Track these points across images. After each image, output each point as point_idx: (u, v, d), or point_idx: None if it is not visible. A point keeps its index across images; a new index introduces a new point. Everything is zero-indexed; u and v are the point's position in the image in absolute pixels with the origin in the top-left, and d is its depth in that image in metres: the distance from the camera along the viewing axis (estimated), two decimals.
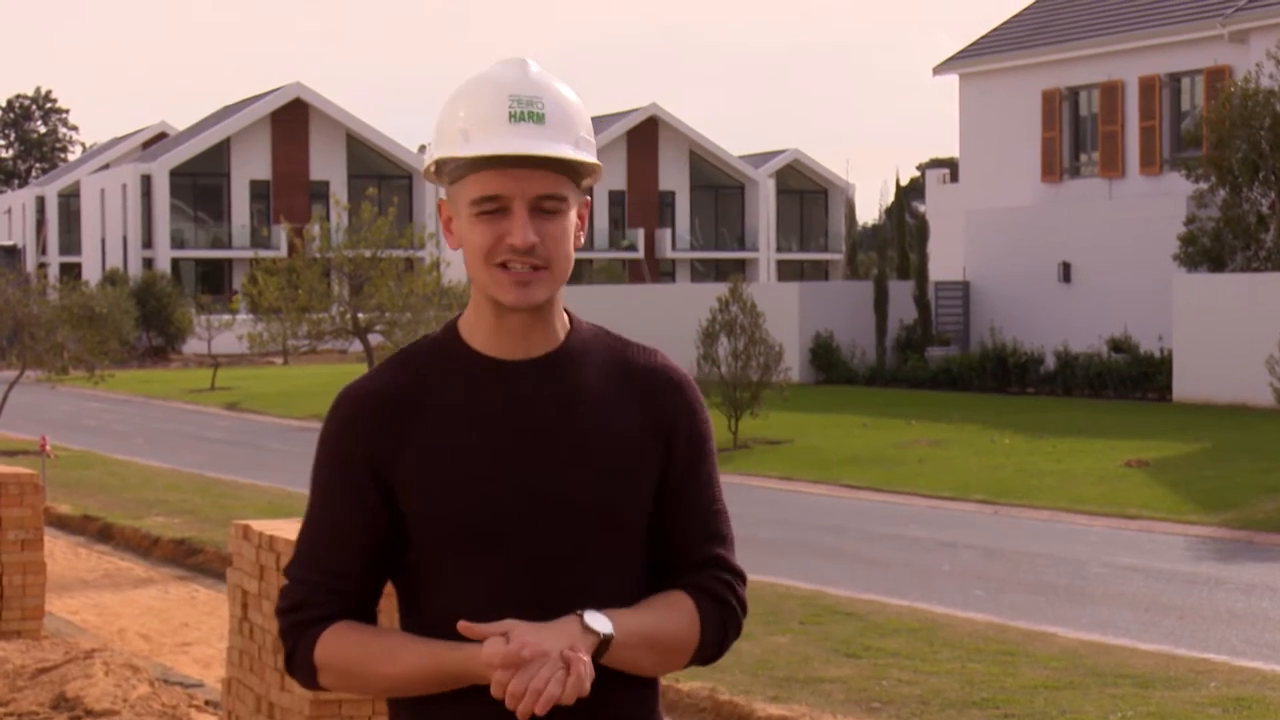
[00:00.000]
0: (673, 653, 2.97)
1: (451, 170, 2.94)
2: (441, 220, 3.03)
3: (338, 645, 2.96)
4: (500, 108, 2.89)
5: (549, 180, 2.90)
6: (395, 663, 2.91)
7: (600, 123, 70.64)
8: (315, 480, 3.02)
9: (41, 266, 70.72)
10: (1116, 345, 33.98)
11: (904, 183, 42.85)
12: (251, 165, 69.21)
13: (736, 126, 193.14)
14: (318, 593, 2.99)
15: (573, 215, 2.95)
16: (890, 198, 45.17)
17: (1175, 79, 37.96)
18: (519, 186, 2.88)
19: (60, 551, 16.59)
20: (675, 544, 3.02)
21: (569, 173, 2.92)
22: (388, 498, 2.95)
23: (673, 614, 2.97)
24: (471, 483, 2.92)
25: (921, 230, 39.94)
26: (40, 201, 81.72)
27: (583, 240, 3.01)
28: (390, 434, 2.95)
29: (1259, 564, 15.74)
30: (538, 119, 2.89)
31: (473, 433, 2.94)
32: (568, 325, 3.05)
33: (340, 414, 3.00)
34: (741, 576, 3.05)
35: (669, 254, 74.93)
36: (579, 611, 2.86)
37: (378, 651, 2.93)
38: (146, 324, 57.14)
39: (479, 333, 3.00)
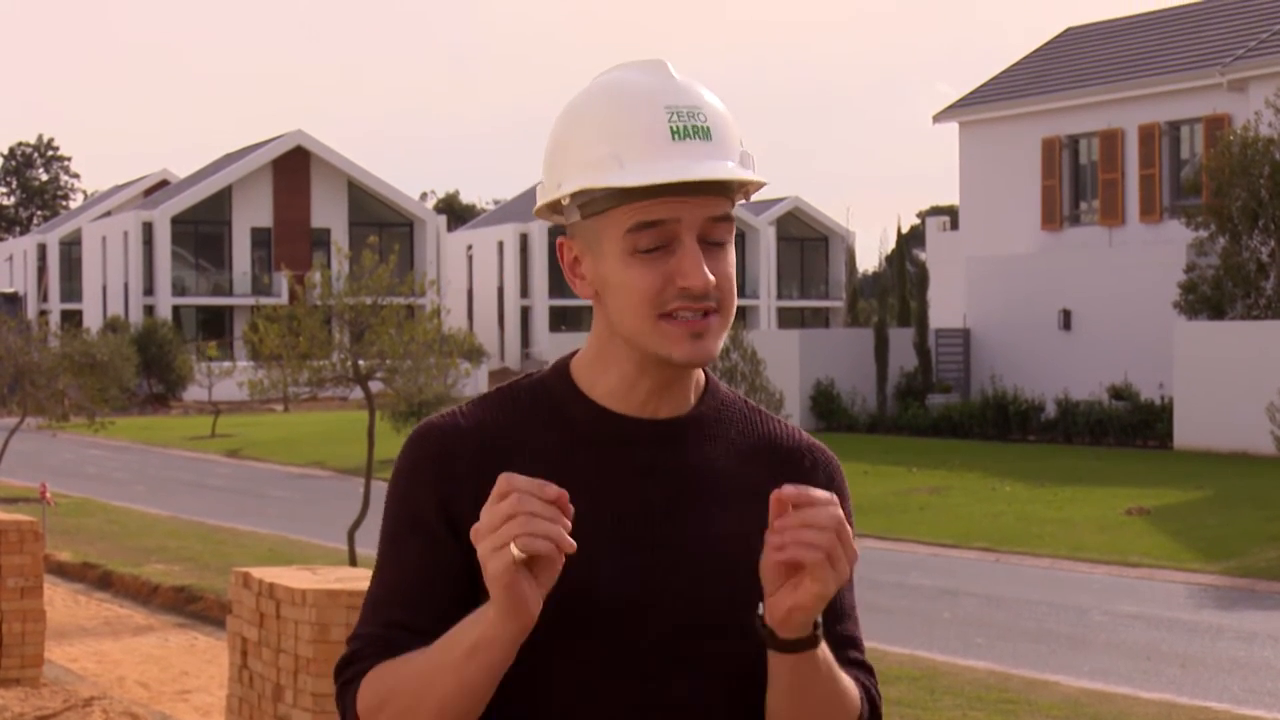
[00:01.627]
0: (839, 709, 2.46)
1: (589, 204, 2.40)
2: (565, 263, 2.48)
3: (379, 683, 2.39)
4: (658, 123, 2.37)
5: (718, 203, 2.41)
6: (431, 664, 2.34)
7: None
8: (383, 531, 2.49)
9: (43, 314, 70.75)
10: (1117, 393, 33.98)
11: (904, 230, 42.91)
12: (253, 213, 69.32)
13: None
14: (373, 645, 2.43)
15: (732, 249, 2.47)
16: (891, 245, 45.35)
17: (1175, 127, 38.06)
18: (687, 213, 2.37)
19: (60, 599, 16.56)
20: None
21: (734, 193, 2.46)
22: (467, 552, 2.33)
23: (848, 682, 2.48)
24: (567, 561, 2.29)
25: (922, 278, 39.99)
26: (42, 249, 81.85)
27: (735, 293, 2.49)
28: (471, 480, 2.40)
29: (1260, 612, 15.71)
30: (704, 134, 2.39)
31: (575, 499, 2.29)
32: (702, 385, 2.55)
33: (413, 451, 2.47)
34: (876, 683, 2.59)
35: None
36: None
37: (415, 668, 2.36)
38: (147, 371, 57.15)
39: (602, 383, 2.48)
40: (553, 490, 2.20)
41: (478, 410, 2.50)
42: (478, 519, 2.28)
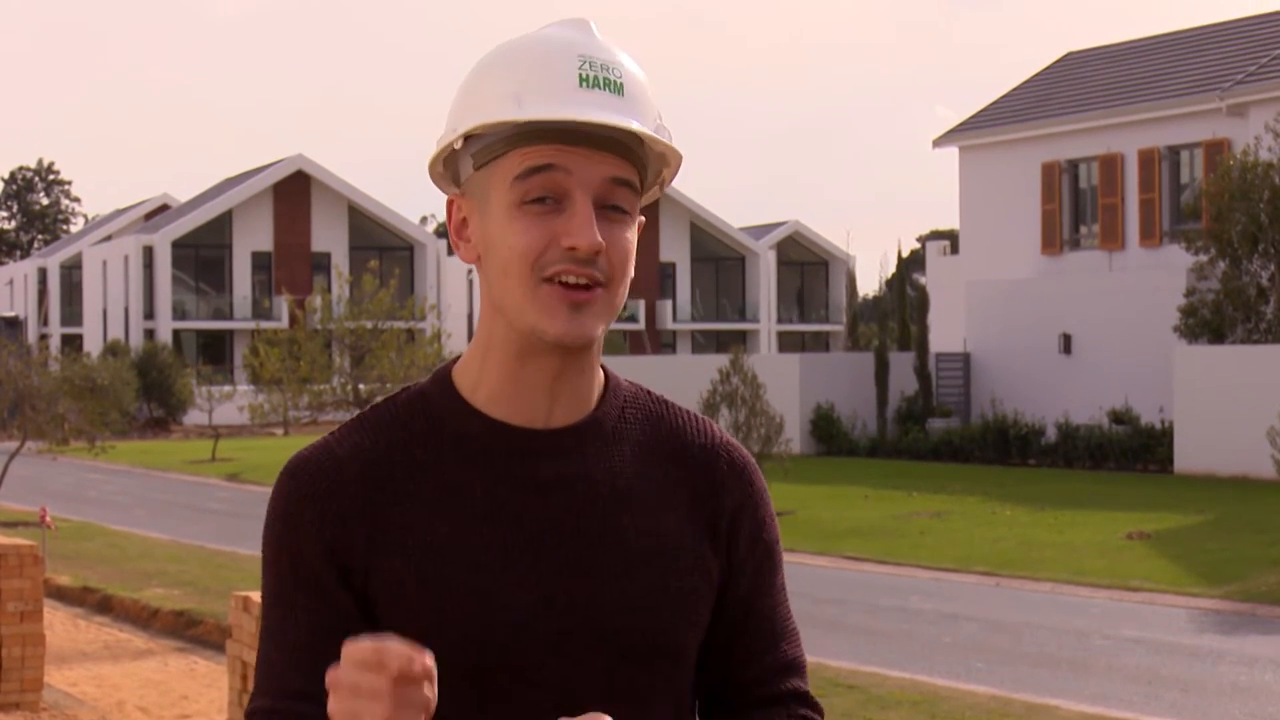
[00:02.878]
0: None
1: (482, 150, 2.17)
2: (452, 226, 2.24)
3: None
4: (567, 68, 2.15)
5: (622, 164, 2.16)
6: None
7: None
8: (266, 584, 2.22)
9: (43, 338, 70.85)
10: (1117, 417, 33.98)
11: (904, 254, 42.95)
12: (253, 237, 69.38)
13: (737, 198, 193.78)
14: None
15: (635, 228, 2.21)
16: (891, 269, 45.38)
17: (1174, 152, 38.10)
18: (583, 166, 2.13)
19: (60, 623, 16.54)
20: (739, 675, 2.32)
21: (639, 167, 2.19)
22: (361, 601, 2.16)
23: None
24: (472, 597, 2.14)
25: (922, 302, 40.01)
26: (42, 273, 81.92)
27: (631, 273, 2.22)
28: (360, 521, 2.16)
29: (1262, 636, 15.69)
30: (615, 88, 2.16)
31: (474, 527, 2.16)
32: (602, 383, 2.31)
33: (286, 491, 2.19)
34: (822, 715, 2.38)
35: (670, 325, 75.03)
36: None
37: None
38: (147, 395, 57.15)
39: (485, 386, 2.22)
40: (420, 664, 1.89)
41: (353, 435, 2.22)
42: (374, 563, 2.14)
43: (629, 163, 2.17)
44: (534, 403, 2.22)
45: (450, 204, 2.24)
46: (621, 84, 2.16)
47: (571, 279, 2.13)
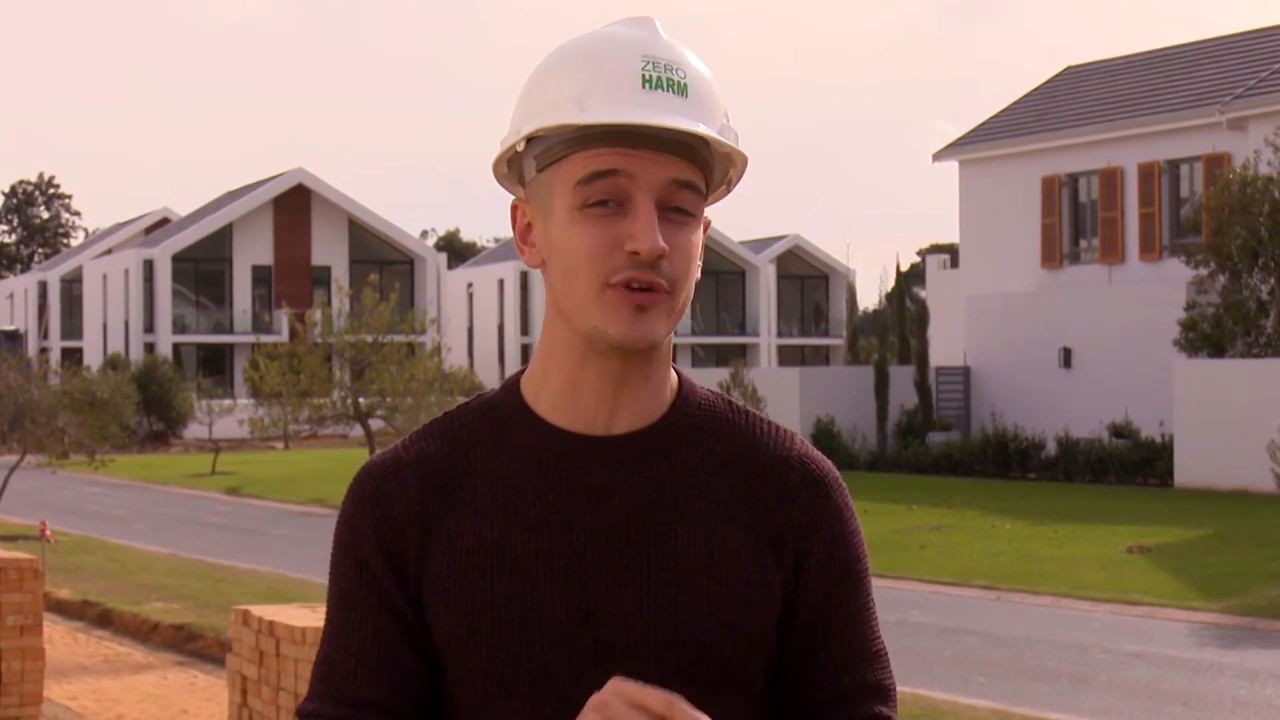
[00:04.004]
0: None
1: (544, 152, 2.14)
2: (516, 230, 2.22)
3: None
4: (630, 68, 2.11)
5: (686, 167, 2.12)
6: None
7: None
8: (330, 587, 2.25)
9: (43, 351, 70.79)
10: (1118, 431, 33.99)
11: (904, 268, 43.00)
12: (253, 250, 69.41)
13: (737, 212, 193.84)
14: None
15: (700, 229, 2.17)
16: (891, 283, 45.31)
17: (1174, 165, 38.14)
18: (646, 170, 2.09)
19: (59, 637, 16.53)
20: (813, 698, 2.21)
21: (705, 168, 2.16)
22: (419, 609, 2.17)
23: None
24: (510, 603, 2.12)
25: (922, 315, 40.02)
26: (42, 286, 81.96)
27: (699, 275, 2.19)
28: (415, 525, 2.17)
29: (1262, 650, 15.68)
30: (679, 89, 2.12)
31: (521, 534, 2.14)
32: (675, 388, 2.25)
33: (352, 496, 2.23)
34: None
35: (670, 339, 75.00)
36: None
37: None
38: (147, 409, 57.16)
39: (547, 392, 2.19)
40: (656, 698, 1.92)
41: (421, 441, 2.24)
42: (426, 567, 2.15)
43: (693, 164, 2.13)
44: (595, 409, 2.17)
45: (514, 209, 2.22)
46: (686, 84, 2.12)
47: (635, 284, 2.09)
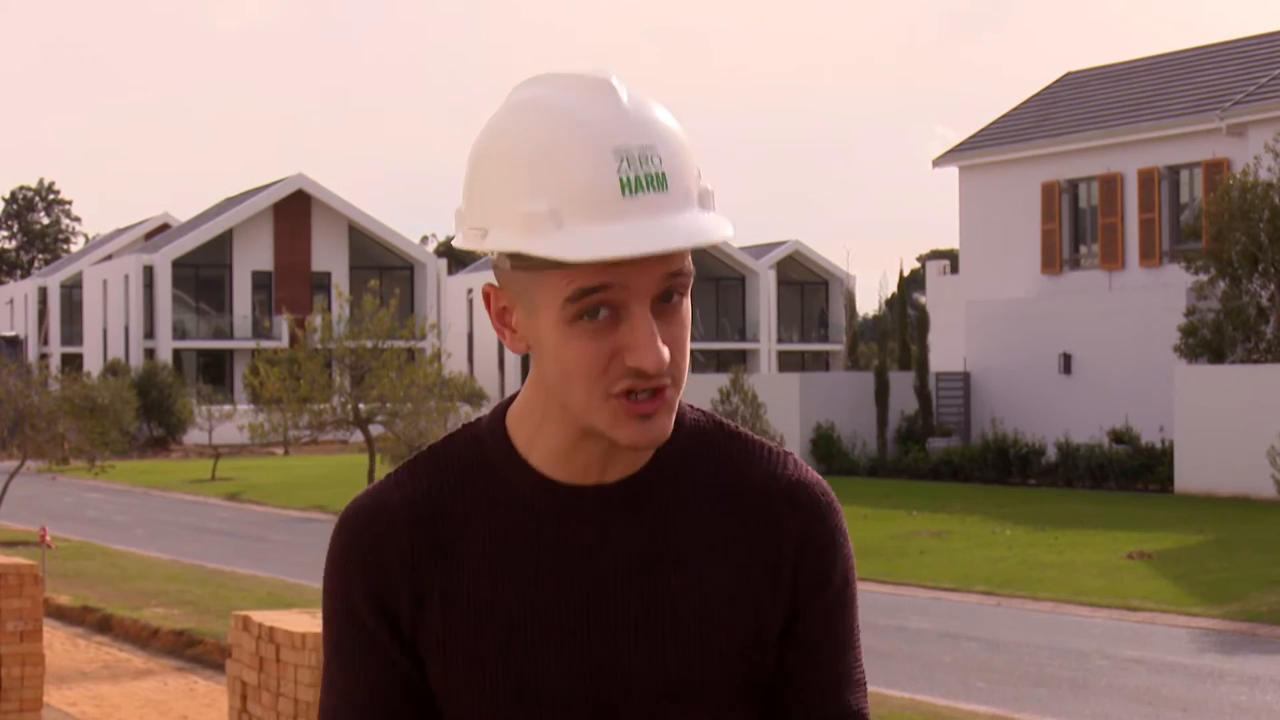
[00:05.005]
0: None
1: (520, 257, 2.01)
2: (492, 313, 2.09)
3: None
4: (606, 175, 1.94)
5: (674, 259, 1.99)
6: None
7: None
8: (324, 631, 2.21)
9: (43, 357, 70.85)
10: (1118, 437, 33.99)
11: (905, 274, 42.95)
12: (253, 256, 69.44)
13: (737, 217, 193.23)
14: None
15: (687, 297, 2.06)
16: (891, 289, 45.38)
17: (1174, 171, 38.16)
18: (638, 278, 1.97)
19: (59, 643, 16.53)
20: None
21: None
22: (412, 655, 2.14)
23: None
24: (507, 665, 2.09)
25: (922, 321, 40.04)
26: (43, 292, 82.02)
27: (688, 352, 2.07)
28: (405, 575, 2.12)
29: (1262, 656, 15.68)
30: (658, 183, 1.95)
31: (515, 591, 2.10)
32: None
33: (340, 545, 2.16)
34: None
35: None
36: None
37: None
38: (147, 414, 57.16)
39: (542, 444, 2.11)
40: None
41: (411, 479, 2.15)
42: (420, 623, 2.10)
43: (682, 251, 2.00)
44: (588, 464, 2.10)
45: (486, 294, 2.08)
46: (664, 175, 1.95)
47: (641, 395, 1.99)
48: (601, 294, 1.96)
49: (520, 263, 2.00)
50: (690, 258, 2.02)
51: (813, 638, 2.18)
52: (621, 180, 1.93)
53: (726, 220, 2.03)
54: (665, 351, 1.97)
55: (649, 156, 1.95)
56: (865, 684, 2.26)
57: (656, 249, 1.92)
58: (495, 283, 2.08)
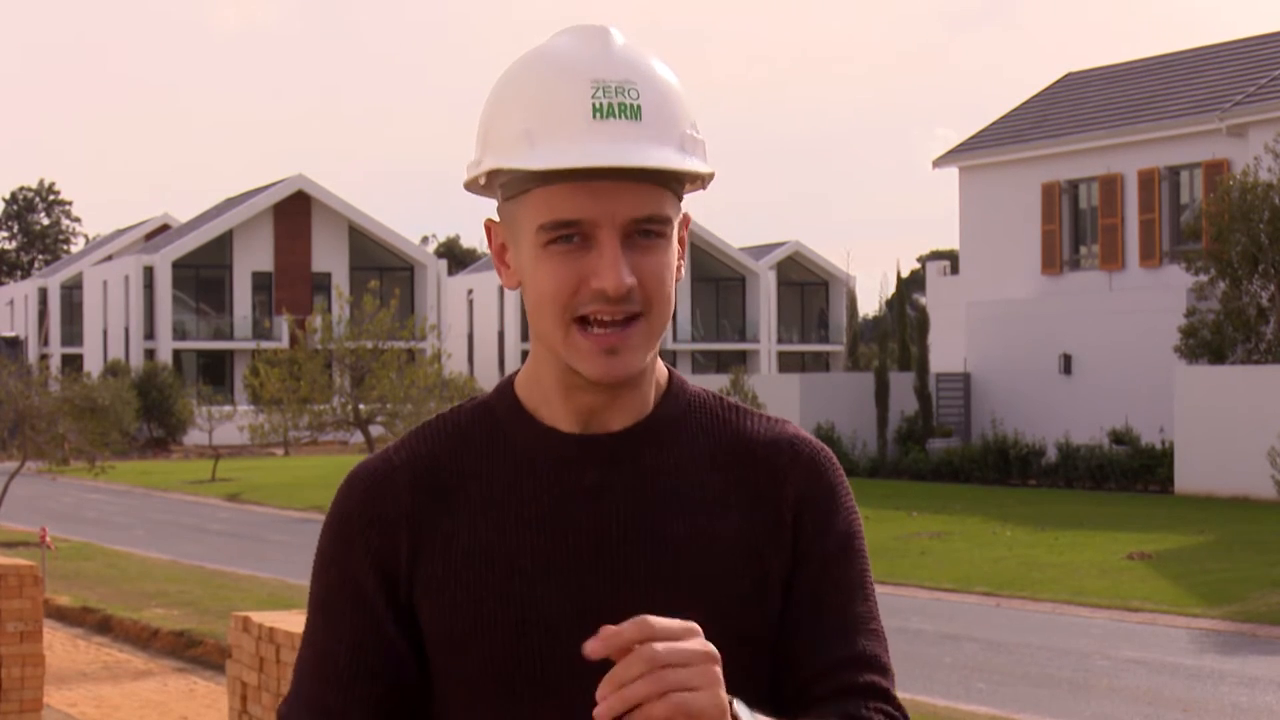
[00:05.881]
0: None
1: (507, 185, 2.12)
2: (492, 249, 2.21)
3: None
4: (579, 99, 2.05)
5: (648, 197, 2.07)
6: None
7: None
8: (312, 587, 2.24)
9: (43, 358, 70.81)
10: (1118, 437, 33.99)
11: (904, 275, 42.99)
12: (254, 257, 69.43)
13: (737, 218, 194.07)
14: None
15: (674, 240, 2.13)
16: (891, 290, 45.36)
17: (1174, 172, 38.16)
18: (607, 208, 2.05)
19: (59, 643, 16.53)
20: (807, 670, 2.17)
21: (671, 183, 2.11)
22: (404, 616, 2.17)
23: None
24: (508, 603, 2.11)
25: (922, 322, 40.04)
26: (43, 293, 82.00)
27: (683, 274, 2.16)
28: (405, 527, 2.16)
29: (1262, 657, 15.67)
30: (631, 113, 2.05)
31: (517, 535, 2.13)
32: (664, 385, 2.24)
33: (342, 500, 2.21)
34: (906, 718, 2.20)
35: (670, 345, 75.02)
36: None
37: None
38: (148, 415, 57.16)
39: (542, 395, 2.19)
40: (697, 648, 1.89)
41: (413, 443, 2.22)
42: (419, 570, 2.13)
43: (657, 186, 2.08)
44: (589, 411, 2.17)
45: (488, 228, 2.20)
46: (639, 106, 2.06)
47: (606, 317, 2.07)
48: (574, 227, 2.06)
49: (508, 191, 2.12)
50: (667, 204, 2.10)
51: (818, 587, 2.19)
52: (594, 105, 2.05)
53: (708, 168, 2.12)
54: (629, 277, 2.05)
55: (626, 88, 2.06)
56: (883, 635, 2.23)
57: (614, 162, 2.02)
58: (496, 219, 2.20)
